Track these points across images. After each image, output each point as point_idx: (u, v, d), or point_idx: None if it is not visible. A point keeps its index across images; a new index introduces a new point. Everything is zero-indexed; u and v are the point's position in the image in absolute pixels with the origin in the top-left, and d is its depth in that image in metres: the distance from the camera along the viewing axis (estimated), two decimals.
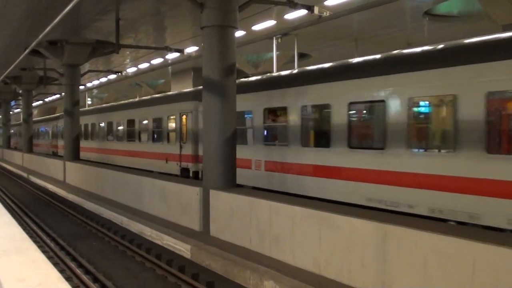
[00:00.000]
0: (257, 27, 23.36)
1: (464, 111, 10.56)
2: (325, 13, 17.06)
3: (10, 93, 49.10)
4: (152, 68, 36.38)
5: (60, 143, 39.92)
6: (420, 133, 12.14)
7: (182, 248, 12.70)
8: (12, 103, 58.52)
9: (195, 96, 21.86)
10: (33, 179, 32.20)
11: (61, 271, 10.11)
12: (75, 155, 27.22)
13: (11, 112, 60.38)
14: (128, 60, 34.84)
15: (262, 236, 11.22)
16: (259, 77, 19.38)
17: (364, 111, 13.84)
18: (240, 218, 12.02)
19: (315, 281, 9.11)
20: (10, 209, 19.26)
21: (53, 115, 50.81)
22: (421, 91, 11.70)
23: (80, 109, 29.38)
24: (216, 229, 13.03)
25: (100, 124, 33.47)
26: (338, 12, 19.01)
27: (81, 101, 30.39)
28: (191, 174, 21.80)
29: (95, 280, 10.74)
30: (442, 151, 11.36)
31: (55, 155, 41.48)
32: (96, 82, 47.09)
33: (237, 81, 14.38)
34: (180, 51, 25.17)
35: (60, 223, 17.64)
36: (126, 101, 34.58)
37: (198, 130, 20.94)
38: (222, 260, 11.07)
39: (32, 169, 36.51)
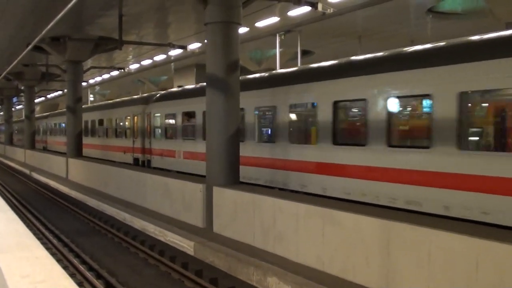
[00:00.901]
0: (261, 23, 23.35)
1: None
2: (329, 9, 17.03)
3: (12, 89, 49.09)
4: (155, 65, 36.36)
5: (49, 138, 49.01)
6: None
7: (185, 245, 12.68)
8: (14, 99, 58.54)
9: (144, 100, 27.44)
10: (36, 175, 32.20)
11: (65, 268, 10.10)
12: (77, 152, 27.22)
13: (13, 109, 60.44)
14: (131, 56, 34.85)
15: (265, 232, 11.20)
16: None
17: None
18: (243, 215, 12.01)
19: (319, 278, 9.10)
20: (12, 206, 19.28)
21: (41, 115, 56.85)
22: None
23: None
24: (219, 225, 13.02)
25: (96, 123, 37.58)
26: (342, 9, 18.99)
27: (83, 97, 30.38)
28: (140, 163, 26.67)
29: (99, 276, 10.73)
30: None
31: (44, 149, 46.95)
32: (98, 79, 47.08)
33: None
34: (183, 47, 25.15)
35: (63, 219, 17.64)
36: (98, 104, 40.68)
37: (145, 128, 26.31)
38: (225, 256, 11.05)
39: (34, 165, 36.53)
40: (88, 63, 32.22)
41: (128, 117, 28.20)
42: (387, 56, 13.69)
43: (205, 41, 14.43)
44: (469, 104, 11.01)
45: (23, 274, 7.72)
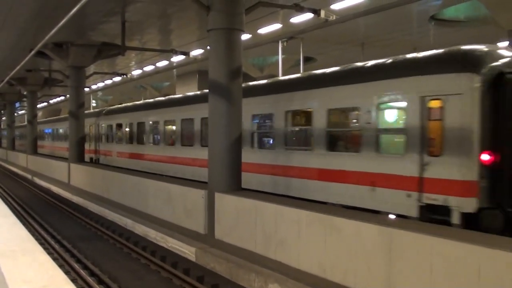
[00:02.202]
0: (263, 30, 23.40)
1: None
2: (331, 17, 17.08)
3: (15, 94, 49.15)
4: (157, 71, 36.42)
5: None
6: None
7: (187, 251, 12.69)
8: (17, 104, 58.62)
9: (96, 114, 35.88)
10: (38, 180, 32.23)
11: (66, 273, 10.11)
12: (79, 157, 27.25)
13: (15, 114, 60.50)
14: (133, 62, 34.92)
15: (267, 239, 11.20)
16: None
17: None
18: (245, 221, 12.01)
19: (320, 285, 9.11)
20: (15, 211, 19.28)
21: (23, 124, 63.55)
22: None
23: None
24: (221, 232, 13.02)
25: (59, 130, 46.52)
26: (344, 16, 19.01)
27: (86, 103, 30.46)
28: (93, 161, 34.67)
29: (100, 282, 10.74)
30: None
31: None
32: (101, 84, 47.15)
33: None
34: (186, 53, 25.21)
35: (65, 225, 17.65)
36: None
37: (95, 135, 34.94)
38: (227, 263, 11.06)
39: (36, 170, 36.54)
40: (91, 68, 32.26)
41: (86, 126, 32.66)
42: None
43: (208, 47, 14.46)
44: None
45: (26, 279, 7.74)
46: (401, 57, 13.51)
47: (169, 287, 10.62)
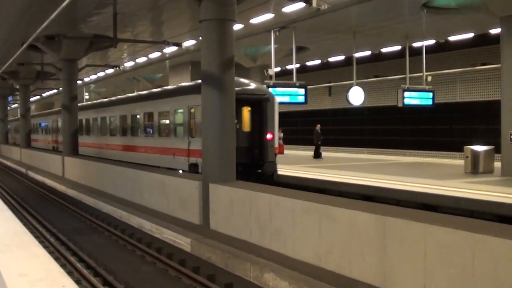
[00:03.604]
0: (255, 20, 23.34)
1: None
2: (323, 6, 17.05)
3: (7, 88, 48.98)
4: (150, 62, 36.34)
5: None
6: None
7: (182, 242, 12.72)
8: (10, 98, 58.39)
9: (57, 112, 41.69)
10: (32, 174, 32.19)
11: (62, 266, 10.11)
12: (73, 150, 27.23)
13: (8, 108, 60.27)
14: (125, 54, 34.84)
15: (262, 229, 11.24)
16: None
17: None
18: (239, 211, 12.04)
19: (316, 273, 9.14)
20: (9, 205, 19.26)
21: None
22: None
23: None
24: (216, 222, 13.05)
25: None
26: (336, 5, 19.01)
27: (79, 95, 30.41)
28: (54, 149, 40.58)
29: (96, 274, 10.76)
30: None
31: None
32: (93, 77, 47.02)
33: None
34: (178, 45, 25.17)
35: (59, 218, 17.65)
36: (48, 111, 53.82)
37: (58, 128, 40.21)
38: (222, 253, 11.10)
39: (30, 164, 36.48)
40: (83, 61, 32.16)
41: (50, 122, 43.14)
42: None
43: (200, 38, 14.44)
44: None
45: (21, 273, 7.76)
46: (183, 84, 26.31)
47: (165, 278, 10.65)
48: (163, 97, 24.25)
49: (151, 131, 24.06)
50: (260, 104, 19.48)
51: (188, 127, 20.38)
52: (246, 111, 19.70)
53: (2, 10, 21.63)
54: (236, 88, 15.27)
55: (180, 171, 19.42)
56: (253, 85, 20.31)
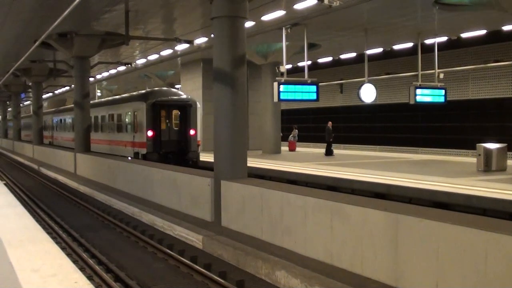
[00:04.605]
0: (267, 17, 23.29)
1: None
2: (335, 2, 17.01)
3: (20, 85, 49.22)
4: (162, 60, 36.37)
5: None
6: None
7: (194, 239, 12.74)
8: (22, 95, 58.66)
9: (52, 112, 50.29)
10: (44, 171, 32.34)
11: (74, 262, 10.14)
12: (85, 147, 27.32)
13: (21, 105, 60.60)
14: (137, 51, 34.86)
15: (273, 226, 11.23)
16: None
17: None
18: (251, 209, 12.04)
19: (327, 271, 9.13)
20: (22, 201, 19.35)
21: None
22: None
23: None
24: (227, 219, 13.06)
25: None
26: (348, 1, 18.92)
27: (91, 93, 30.54)
28: (49, 143, 46.76)
29: (108, 270, 10.79)
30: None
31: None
32: (105, 74, 47.13)
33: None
34: (190, 42, 25.15)
35: (72, 214, 17.72)
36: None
37: (51, 126, 48.32)
38: (233, 250, 11.10)
39: (42, 161, 36.65)
40: (95, 58, 32.23)
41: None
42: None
43: (212, 35, 14.44)
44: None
45: (34, 268, 7.80)
46: (132, 93, 34.35)
47: (176, 274, 10.66)
48: (118, 103, 31.22)
49: (112, 128, 30.98)
50: (185, 108, 26.82)
51: (133, 125, 27.30)
52: (175, 113, 26.90)
53: (15, 7, 21.70)
54: (168, 96, 26.77)
55: (129, 158, 25.40)
56: (181, 94, 28.46)
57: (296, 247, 10.49)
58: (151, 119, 25.98)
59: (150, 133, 25.84)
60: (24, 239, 9.76)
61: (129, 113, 27.82)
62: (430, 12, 22.62)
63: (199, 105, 27.67)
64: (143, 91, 30.53)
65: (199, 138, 27.18)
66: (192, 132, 26.58)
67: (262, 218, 11.62)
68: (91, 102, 29.31)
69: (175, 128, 26.76)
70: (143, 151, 25.70)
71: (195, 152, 26.63)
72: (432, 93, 26.12)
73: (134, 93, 34.03)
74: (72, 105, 32.74)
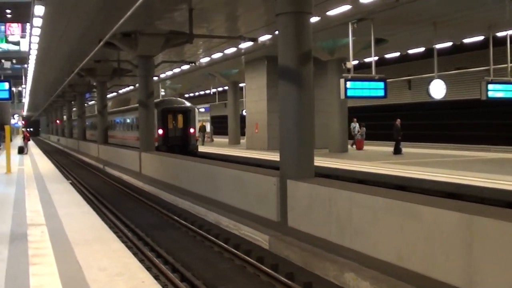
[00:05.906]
0: (332, 12, 22.86)
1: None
2: None
3: (85, 85, 50.22)
4: (226, 58, 36.40)
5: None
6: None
7: (260, 239, 12.54)
8: (87, 95, 59.90)
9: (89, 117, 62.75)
10: (109, 170, 32.80)
11: (141, 261, 10.09)
12: (150, 146, 27.54)
13: (86, 104, 61.93)
14: (201, 50, 34.96)
15: (342, 227, 10.92)
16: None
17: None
18: (319, 209, 11.75)
19: (398, 273, 8.79)
20: (88, 200, 19.58)
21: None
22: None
23: None
24: (294, 219, 12.80)
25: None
26: None
27: (155, 92, 30.91)
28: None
29: (174, 270, 10.70)
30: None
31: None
32: (169, 73, 47.55)
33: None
34: (254, 40, 25.02)
35: (137, 213, 17.81)
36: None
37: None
38: (301, 251, 10.85)
39: (107, 160, 37.22)
40: (159, 57, 32.47)
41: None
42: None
43: (276, 32, 14.21)
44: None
45: (101, 267, 7.77)
46: (134, 105, 43.44)
47: (242, 275, 10.50)
48: (130, 111, 42.46)
49: (135, 128, 37.71)
50: (186, 112, 35.78)
51: (136, 126, 35.84)
52: (180, 116, 35.58)
53: (79, 7, 22.01)
54: (174, 104, 36.25)
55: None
56: (183, 102, 37.48)
57: (365, 249, 10.15)
58: (161, 121, 34.46)
59: (160, 131, 34.32)
60: (90, 239, 9.78)
61: (135, 118, 36.77)
62: (502, 4, 21.80)
63: (197, 110, 37.15)
64: (156, 100, 36.12)
65: (197, 134, 37.73)
66: (191, 130, 35.54)
67: (330, 218, 11.31)
68: (122, 108, 38.46)
69: (179, 127, 35.56)
70: (156, 144, 31.12)
71: (194, 145, 35.63)
72: (505, 89, 25.23)
73: (136, 105, 42.37)
74: (117, 108, 41.69)
